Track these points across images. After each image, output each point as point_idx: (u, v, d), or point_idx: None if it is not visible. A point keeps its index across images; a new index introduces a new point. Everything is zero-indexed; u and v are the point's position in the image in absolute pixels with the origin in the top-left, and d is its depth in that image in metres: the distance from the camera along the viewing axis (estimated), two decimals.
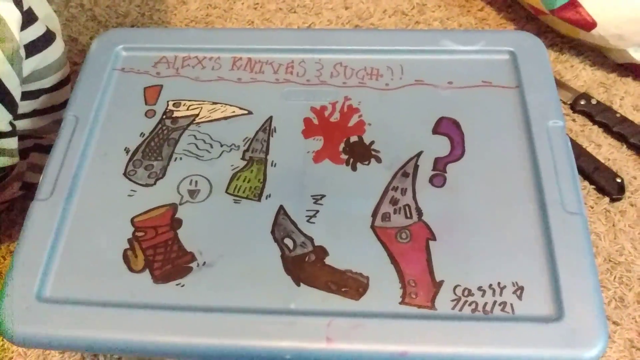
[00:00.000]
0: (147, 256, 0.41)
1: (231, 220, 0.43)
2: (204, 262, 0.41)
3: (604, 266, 0.53)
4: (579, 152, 0.58)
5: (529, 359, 0.36)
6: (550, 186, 0.42)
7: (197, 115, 0.48)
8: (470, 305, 0.38)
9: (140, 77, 0.51)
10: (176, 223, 0.43)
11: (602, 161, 0.58)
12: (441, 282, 0.39)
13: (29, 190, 0.56)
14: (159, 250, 0.42)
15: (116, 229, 0.43)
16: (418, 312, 0.38)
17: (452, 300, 0.39)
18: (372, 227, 0.42)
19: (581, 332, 0.36)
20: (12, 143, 0.48)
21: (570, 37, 0.67)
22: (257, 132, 0.47)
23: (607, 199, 0.57)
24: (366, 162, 0.45)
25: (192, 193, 0.44)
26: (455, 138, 0.46)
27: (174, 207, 0.43)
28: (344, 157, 0.46)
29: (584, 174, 0.58)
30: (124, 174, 0.45)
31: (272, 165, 0.45)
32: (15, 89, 0.46)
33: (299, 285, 0.40)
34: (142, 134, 0.47)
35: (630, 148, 0.60)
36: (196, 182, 0.45)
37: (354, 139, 0.47)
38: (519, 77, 0.49)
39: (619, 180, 0.57)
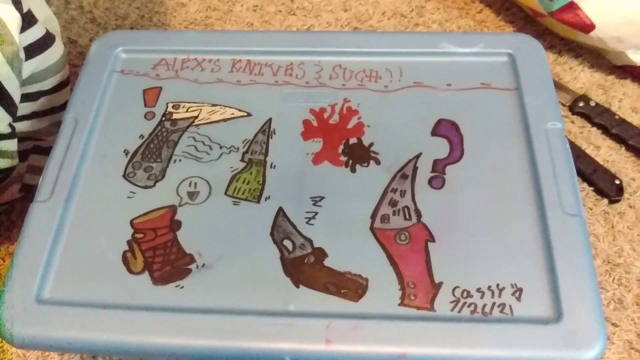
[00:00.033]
0: (146, 258, 0.41)
1: (230, 221, 0.43)
2: (204, 264, 0.41)
3: (603, 268, 0.53)
4: (578, 154, 0.58)
5: None
6: (549, 188, 0.42)
7: (197, 117, 0.48)
8: (469, 306, 0.38)
9: (139, 79, 0.51)
10: (175, 225, 0.43)
11: (601, 163, 0.58)
12: (440, 284, 0.39)
13: (28, 192, 0.57)
14: (158, 252, 0.42)
15: (115, 230, 0.43)
16: (417, 314, 0.38)
17: (451, 302, 0.39)
18: (371, 228, 0.42)
19: (580, 334, 0.36)
20: (11, 145, 0.48)
21: (569, 40, 0.67)
22: (256, 134, 0.47)
23: (605, 201, 0.57)
24: (365, 164, 0.45)
25: (192, 195, 0.44)
26: (454, 140, 0.46)
27: (173, 209, 0.44)
28: (343, 158, 0.46)
29: (582, 175, 0.58)
30: (124, 176, 0.45)
31: (271, 167, 0.45)
32: (15, 91, 0.46)
33: (298, 286, 0.40)
34: (141, 136, 0.48)
35: (628, 150, 0.60)
36: (195, 184, 0.45)
37: (353, 140, 0.47)
38: (517, 79, 0.49)
39: (617, 182, 0.57)
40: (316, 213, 0.43)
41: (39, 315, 0.39)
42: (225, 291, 0.40)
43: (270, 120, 0.48)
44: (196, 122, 0.48)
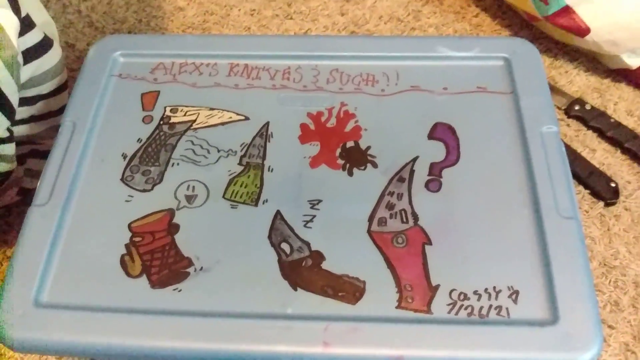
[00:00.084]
0: (144, 261, 0.41)
1: (228, 225, 0.43)
2: (201, 267, 0.41)
3: (599, 270, 0.53)
4: (574, 157, 0.59)
5: None
6: (545, 191, 0.43)
7: (194, 121, 0.49)
8: (466, 309, 0.39)
9: (137, 83, 0.51)
10: (173, 228, 0.43)
11: (597, 166, 0.59)
12: (437, 287, 0.40)
13: (26, 196, 0.57)
14: (156, 255, 0.42)
15: (113, 234, 0.43)
16: (414, 317, 0.38)
17: (448, 305, 0.39)
18: (369, 231, 0.42)
19: (576, 336, 0.37)
20: (9, 149, 0.48)
21: (565, 43, 0.68)
22: (254, 138, 0.47)
23: (601, 204, 0.57)
24: (362, 167, 0.46)
25: (190, 198, 0.44)
26: (450, 143, 0.47)
27: (171, 213, 0.44)
28: (341, 162, 0.46)
29: (578, 178, 0.58)
30: (122, 180, 0.45)
31: (269, 171, 0.46)
32: (13, 95, 0.46)
33: (295, 289, 0.40)
34: (139, 140, 0.48)
35: (624, 153, 0.60)
36: (193, 187, 0.45)
37: (350, 144, 0.47)
38: (513, 83, 0.49)
39: (613, 184, 0.57)
40: (314, 216, 0.43)
41: (37, 319, 0.39)
42: (223, 294, 0.40)
43: (267, 124, 0.48)
44: (194, 125, 0.48)
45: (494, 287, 0.39)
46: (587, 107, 0.63)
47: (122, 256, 0.42)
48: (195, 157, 0.47)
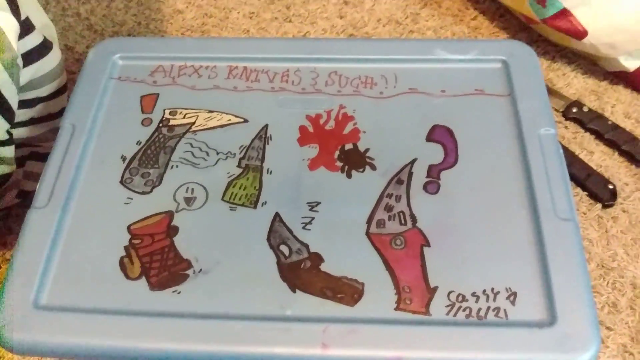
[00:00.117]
0: (143, 263, 0.41)
1: (227, 227, 0.43)
2: (200, 269, 0.41)
3: (597, 272, 0.53)
4: (572, 159, 0.59)
5: None
6: (543, 193, 0.43)
7: (194, 123, 0.49)
8: (464, 310, 0.39)
9: (136, 85, 0.51)
10: (172, 230, 0.43)
11: (594, 168, 0.59)
12: (435, 288, 0.40)
13: (25, 199, 0.57)
14: (155, 257, 0.42)
15: (113, 236, 0.43)
16: (413, 318, 0.39)
17: (447, 306, 0.39)
18: (367, 233, 0.42)
19: (574, 337, 0.37)
20: (9, 151, 0.48)
21: (562, 46, 0.68)
22: (252, 140, 0.48)
23: (599, 206, 0.57)
24: (361, 170, 0.46)
25: (189, 200, 0.44)
26: (448, 145, 0.47)
27: (170, 215, 0.44)
28: (339, 164, 0.46)
29: (576, 180, 0.58)
30: (121, 182, 0.46)
31: (267, 173, 0.46)
32: (13, 98, 0.46)
33: (294, 291, 0.40)
34: (138, 142, 0.48)
35: (621, 155, 0.61)
36: (192, 189, 0.45)
37: (348, 146, 0.47)
38: (511, 86, 0.49)
39: (611, 186, 0.57)
40: (312, 218, 0.43)
41: (36, 321, 0.39)
42: (222, 296, 0.40)
43: (266, 126, 0.48)
44: (193, 128, 0.49)
45: (492, 289, 0.39)
46: (585, 109, 0.63)
47: (122, 258, 0.42)
48: (194, 160, 0.47)
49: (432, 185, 0.45)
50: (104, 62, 0.52)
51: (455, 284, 0.40)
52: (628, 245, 0.55)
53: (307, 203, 0.44)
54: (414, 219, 0.43)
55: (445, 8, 0.74)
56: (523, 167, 0.45)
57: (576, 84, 0.66)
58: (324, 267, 0.41)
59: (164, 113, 0.50)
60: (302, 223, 0.43)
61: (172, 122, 0.49)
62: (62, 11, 0.75)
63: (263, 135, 0.48)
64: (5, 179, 0.50)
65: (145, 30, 0.73)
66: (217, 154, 0.47)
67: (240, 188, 0.45)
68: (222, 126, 0.49)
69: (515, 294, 0.39)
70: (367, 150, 0.47)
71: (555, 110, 0.64)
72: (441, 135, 0.47)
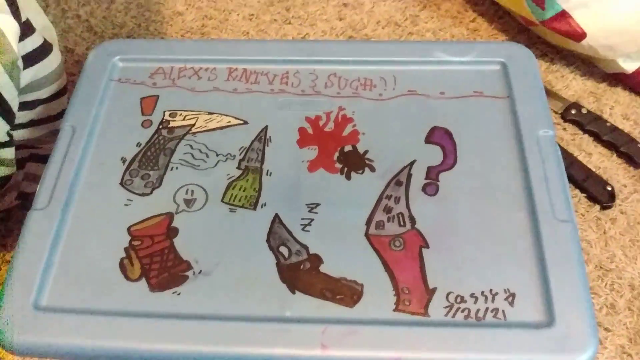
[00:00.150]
0: (143, 265, 0.42)
1: (227, 228, 0.43)
2: (200, 271, 0.41)
3: (595, 273, 0.54)
4: (570, 161, 0.59)
5: None
6: (541, 194, 0.43)
7: (193, 125, 0.49)
8: (462, 311, 0.39)
9: (136, 87, 0.52)
10: (172, 232, 0.43)
11: (593, 169, 0.59)
12: (434, 289, 0.40)
13: (25, 200, 0.57)
14: (155, 259, 0.42)
15: (113, 238, 0.43)
16: (411, 319, 0.39)
17: (445, 307, 0.39)
18: (366, 235, 0.43)
19: (572, 338, 0.37)
20: (9, 153, 0.49)
21: (561, 48, 0.68)
22: (252, 142, 0.48)
23: (597, 207, 0.57)
24: (360, 171, 0.46)
25: (188, 202, 0.45)
26: (447, 147, 0.47)
27: (170, 216, 0.44)
28: (338, 166, 0.46)
29: (575, 182, 0.58)
30: (121, 184, 0.46)
31: (267, 175, 0.46)
32: (13, 100, 0.46)
33: (294, 292, 0.40)
34: (138, 144, 0.48)
35: (620, 156, 0.61)
36: (192, 191, 0.45)
37: (348, 148, 0.47)
38: (509, 88, 0.49)
39: (609, 188, 0.58)
40: (312, 220, 0.43)
41: (36, 323, 0.39)
42: (222, 297, 0.40)
43: (266, 128, 0.49)
44: (193, 130, 0.49)
45: (491, 290, 0.40)
46: (583, 111, 0.63)
47: (122, 260, 0.42)
48: (194, 161, 0.47)
49: (431, 186, 0.45)
50: (104, 64, 0.52)
51: (454, 285, 0.40)
52: (626, 247, 0.55)
53: (307, 204, 0.44)
54: (413, 221, 0.43)
55: (444, 10, 0.74)
56: (521, 168, 0.45)
57: (575, 86, 0.66)
58: (323, 268, 0.41)
59: (164, 115, 0.50)
60: (302, 224, 0.43)
61: (172, 124, 0.49)
62: (62, 13, 0.76)
63: (263, 137, 0.48)
64: (5, 180, 0.50)
65: (145, 32, 0.73)
66: (217, 155, 0.47)
67: (239, 190, 0.45)
68: (221, 128, 0.49)
69: (513, 295, 0.39)
70: (366, 152, 0.47)
71: (554, 112, 0.64)
72: (440, 137, 0.48)
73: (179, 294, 0.40)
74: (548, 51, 0.69)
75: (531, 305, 0.39)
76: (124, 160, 0.47)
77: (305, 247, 0.42)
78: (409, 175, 0.45)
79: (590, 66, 0.68)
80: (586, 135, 0.62)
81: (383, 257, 0.41)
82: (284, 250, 0.42)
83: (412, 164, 0.46)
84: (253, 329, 0.38)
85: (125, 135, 0.48)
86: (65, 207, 0.44)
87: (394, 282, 0.40)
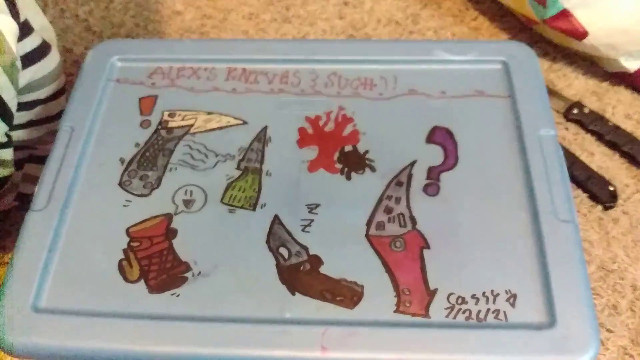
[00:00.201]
0: (142, 266, 0.41)
1: (226, 229, 0.43)
2: (199, 272, 0.41)
3: (597, 274, 0.53)
4: (572, 161, 0.59)
5: None
6: (543, 194, 0.43)
7: (192, 125, 0.49)
8: (464, 313, 0.39)
9: (135, 87, 0.51)
10: (171, 233, 0.43)
11: (595, 169, 0.59)
12: (435, 291, 0.40)
13: (24, 201, 0.57)
14: (154, 260, 0.42)
15: (111, 239, 0.43)
16: (412, 321, 0.38)
17: (446, 308, 0.39)
18: (367, 235, 0.42)
19: (573, 339, 0.37)
20: (7, 154, 0.48)
21: (563, 47, 0.68)
22: (252, 142, 0.48)
23: (600, 207, 0.57)
24: (360, 172, 0.46)
25: (187, 203, 0.44)
26: (448, 147, 0.47)
27: (169, 217, 0.44)
28: (339, 166, 0.46)
29: (577, 182, 0.58)
30: (119, 184, 0.46)
31: (267, 175, 0.46)
32: (11, 100, 0.46)
33: (294, 294, 0.40)
34: (137, 144, 0.48)
35: (622, 156, 0.61)
36: (191, 192, 0.45)
37: (348, 148, 0.47)
38: (511, 87, 0.49)
39: (611, 188, 0.57)
40: (312, 220, 0.43)
41: (35, 324, 0.39)
42: (221, 299, 0.40)
43: (265, 128, 0.48)
44: (192, 130, 0.48)
45: (492, 291, 0.39)
46: (586, 110, 0.63)
47: (120, 261, 0.42)
48: (193, 162, 0.47)
49: (432, 187, 0.45)
50: (103, 64, 0.52)
51: (454, 286, 0.40)
52: (628, 247, 0.55)
53: (307, 205, 0.44)
54: (413, 221, 0.43)
55: (445, 9, 0.74)
56: (523, 168, 0.45)
57: (577, 85, 0.66)
58: (323, 269, 0.41)
59: (163, 115, 0.49)
60: (302, 225, 0.43)
61: (170, 124, 0.49)
62: (60, 13, 0.75)
63: (262, 137, 0.48)
64: (3, 181, 0.50)
65: (143, 32, 0.73)
66: (216, 156, 0.47)
67: (239, 190, 0.45)
68: (221, 128, 0.49)
69: (514, 296, 0.39)
70: (366, 152, 0.47)
71: (556, 111, 0.63)
72: (441, 136, 0.47)
73: (178, 295, 0.40)
74: (550, 50, 0.69)
75: (532, 306, 0.39)
76: (122, 160, 0.47)
77: (305, 248, 0.42)
78: (410, 176, 0.45)
79: (592, 65, 0.67)
80: (588, 135, 0.62)
81: (383, 258, 0.41)
82: (283, 251, 0.42)
83: (413, 164, 0.46)
84: (253, 330, 0.38)
85: (123, 135, 0.48)
86: (63, 208, 0.44)
87: (394, 283, 0.40)
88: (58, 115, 0.55)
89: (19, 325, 0.38)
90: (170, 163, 0.47)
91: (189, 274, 0.41)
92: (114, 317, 0.39)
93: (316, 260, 0.41)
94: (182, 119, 0.49)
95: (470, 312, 0.39)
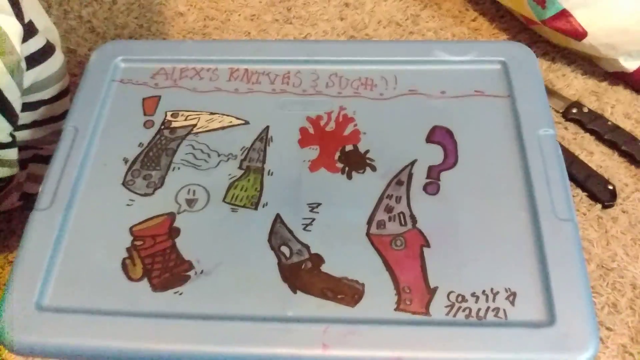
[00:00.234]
0: (145, 265, 0.42)
1: (228, 228, 0.43)
2: (202, 271, 0.41)
3: (597, 272, 0.54)
4: (572, 160, 0.59)
5: None
6: (542, 193, 0.43)
7: (195, 125, 0.49)
8: (464, 311, 0.39)
9: (138, 88, 0.52)
10: (174, 232, 0.43)
11: (594, 168, 0.59)
12: (435, 289, 0.40)
13: (28, 201, 0.57)
14: (157, 258, 0.42)
15: (115, 238, 0.43)
16: (413, 319, 0.39)
17: (446, 306, 0.39)
18: (368, 234, 0.43)
19: (573, 337, 0.37)
20: (12, 154, 0.49)
21: (562, 47, 0.68)
22: (254, 142, 0.48)
23: (599, 206, 0.57)
24: (361, 171, 0.46)
25: (190, 202, 0.45)
26: (448, 146, 0.47)
27: (172, 216, 0.44)
28: (340, 165, 0.46)
29: (576, 181, 0.58)
30: (123, 184, 0.46)
31: (268, 174, 0.46)
32: (16, 101, 0.47)
33: (295, 292, 0.40)
34: (140, 144, 0.48)
35: (621, 155, 0.61)
36: (194, 191, 0.45)
37: (349, 148, 0.47)
38: (510, 87, 0.49)
39: (610, 187, 0.58)
40: (313, 219, 0.43)
41: (39, 323, 0.39)
42: (224, 297, 0.40)
43: (267, 128, 0.49)
44: (195, 130, 0.49)
45: (492, 289, 0.40)
46: (585, 110, 0.63)
47: (124, 260, 0.42)
48: (195, 162, 0.47)
49: (432, 186, 0.45)
50: (106, 65, 0.52)
51: (455, 284, 0.40)
52: (628, 246, 0.55)
53: (308, 204, 0.44)
54: (414, 220, 0.43)
55: (445, 9, 0.74)
56: (522, 167, 0.45)
57: (576, 85, 0.66)
58: (324, 268, 0.41)
59: (166, 115, 0.50)
60: (303, 224, 0.43)
61: (173, 124, 0.49)
62: (64, 14, 0.76)
63: (264, 137, 0.48)
64: (8, 181, 0.50)
65: (147, 33, 0.73)
66: (219, 155, 0.47)
67: (241, 189, 0.45)
68: (223, 128, 0.49)
69: (514, 294, 0.39)
70: (367, 151, 0.47)
71: (555, 111, 0.64)
72: (441, 136, 0.48)
73: (180, 293, 0.40)
74: (549, 50, 0.69)
75: (532, 304, 0.39)
76: (126, 160, 0.47)
77: (307, 247, 0.42)
78: (410, 175, 0.45)
79: (591, 65, 0.68)
80: (587, 134, 0.62)
81: (384, 256, 0.42)
82: (285, 249, 0.42)
83: (413, 163, 0.46)
84: (254, 328, 0.38)
85: (127, 135, 0.49)
86: (67, 208, 0.44)
87: (395, 281, 0.40)
88: (62, 116, 0.56)
89: (22, 324, 0.39)
90: (173, 163, 0.47)
91: (191, 273, 0.41)
92: (117, 315, 0.39)
93: (317, 259, 0.42)
94: (185, 119, 0.49)
95: (470, 310, 0.39)
